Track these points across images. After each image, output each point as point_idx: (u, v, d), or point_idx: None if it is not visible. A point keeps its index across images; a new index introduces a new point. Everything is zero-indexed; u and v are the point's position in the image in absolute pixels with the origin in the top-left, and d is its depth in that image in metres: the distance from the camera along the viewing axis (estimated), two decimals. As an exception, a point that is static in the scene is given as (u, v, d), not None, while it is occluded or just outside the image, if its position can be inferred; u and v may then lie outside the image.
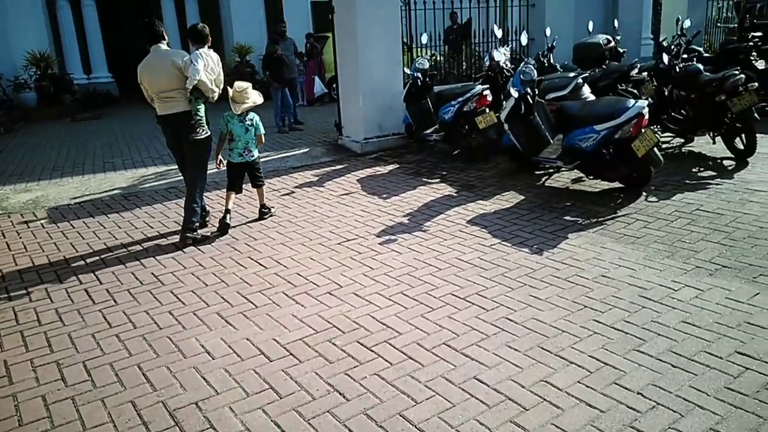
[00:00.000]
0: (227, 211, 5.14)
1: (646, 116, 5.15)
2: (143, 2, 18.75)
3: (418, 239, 4.73)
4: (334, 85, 9.69)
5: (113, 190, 6.86)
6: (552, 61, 8.43)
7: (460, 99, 7.19)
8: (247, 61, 15.18)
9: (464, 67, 10.01)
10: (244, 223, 5.39)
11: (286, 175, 7.15)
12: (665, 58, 6.97)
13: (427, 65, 7.97)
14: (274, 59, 9.95)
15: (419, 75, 7.86)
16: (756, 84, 6.00)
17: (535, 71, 6.11)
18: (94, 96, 14.80)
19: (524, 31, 8.37)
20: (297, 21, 15.24)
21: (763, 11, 11.07)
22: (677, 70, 6.89)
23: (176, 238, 4.98)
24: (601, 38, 8.42)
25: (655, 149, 5.27)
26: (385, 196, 6.07)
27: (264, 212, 5.50)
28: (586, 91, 7.00)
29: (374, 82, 8.14)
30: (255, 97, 5.22)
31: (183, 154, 5.04)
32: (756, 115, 5.96)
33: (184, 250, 4.76)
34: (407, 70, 8.14)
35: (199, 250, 4.76)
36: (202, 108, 4.81)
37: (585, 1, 10.23)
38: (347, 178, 6.93)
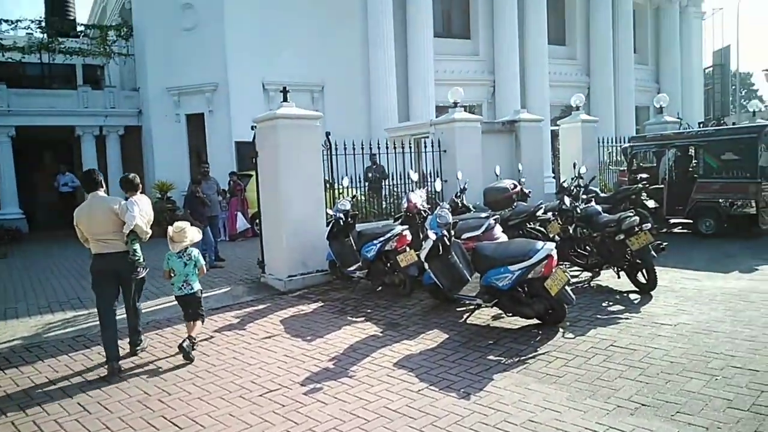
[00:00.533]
0: (190, 338, 5.50)
1: (555, 257, 5.51)
2: (63, 143, 18.73)
3: (344, 386, 4.59)
4: (257, 221, 9.79)
5: (13, 340, 6.32)
6: (465, 202, 9.00)
7: (382, 238, 7.42)
8: (168, 197, 15.13)
9: (384, 206, 10.43)
10: (163, 371, 5.07)
11: (205, 317, 6.89)
12: (567, 200, 7.63)
13: (348, 206, 8.26)
14: (196, 199, 10.01)
15: (341, 215, 8.10)
16: (649, 225, 6.64)
17: (450, 214, 6.48)
18: (1, 232, 14.12)
19: (438, 177, 8.96)
20: (221, 159, 15.60)
21: (647, 155, 12.52)
22: (578, 211, 7.53)
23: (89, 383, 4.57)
24: (508, 183, 9.14)
25: (567, 287, 5.58)
26: (309, 338, 5.95)
27: (186, 348, 5.36)
28: (498, 230, 7.46)
29: (298, 220, 8.30)
30: (193, 235, 5.68)
31: (116, 290, 5.38)
32: (653, 252, 6.53)
33: (90, 410, 4.36)
34: (330, 211, 8.39)
35: (106, 409, 4.37)
36: (138, 247, 5.32)
37: (491, 147, 11.16)
38: (270, 319, 6.77)
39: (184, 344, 5.39)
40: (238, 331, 6.37)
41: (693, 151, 11.17)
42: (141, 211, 5.28)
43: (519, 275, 5.50)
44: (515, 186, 9.06)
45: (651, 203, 10.06)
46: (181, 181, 15.51)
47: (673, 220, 11.36)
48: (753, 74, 57.12)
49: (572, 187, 9.33)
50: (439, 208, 6.66)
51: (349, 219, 8.24)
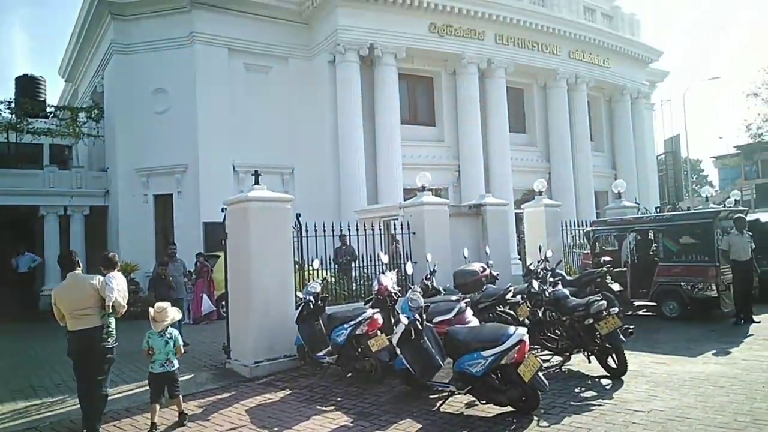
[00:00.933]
0: (153, 425, 5.70)
1: (527, 342, 5.51)
2: (24, 222, 18.40)
3: (314, 482, 4.37)
4: (224, 303, 9.60)
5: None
6: (434, 284, 9.03)
7: (352, 322, 7.32)
8: (132, 278, 14.76)
9: (354, 288, 10.38)
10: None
11: (166, 407, 6.56)
12: (535, 284, 7.74)
13: (319, 288, 8.19)
14: (161, 281, 9.83)
15: (312, 298, 8.01)
16: (616, 308, 6.76)
17: (421, 298, 6.48)
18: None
19: (409, 261, 9.01)
20: (188, 240, 15.43)
21: (608, 239, 12.91)
22: (547, 294, 7.63)
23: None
24: (477, 266, 9.26)
25: (539, 373, 5.55)
26: (276, 429, 5.70)
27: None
28: (469, 314, 7.46)
29: (266, 302, 8.17)
30: (174, 314, 6.06)
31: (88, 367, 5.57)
32: (622, 336, 6.60)
33: None
34: (300, 294, 8.30)
35: None
36: (113, 321, 5.63)
37: (458, 229, 11.38)
38: (235, 409, 6.49)
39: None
40: (201, 422, 6.07)
41: (653, 235, 11.57)
42: (118, 286, 5.63)
43: (492, 361, 5.46)
44: (484, 269, 9.17)
45: (616, 286, 10.27)
46: (147, 262, 15.23)
47: (637, 303, 11.56)
48: (702, 161, 60.52)
49: (539, 270, 9.48)
50: (410, 291, 6.67)
51: (319, 302, 8.15)
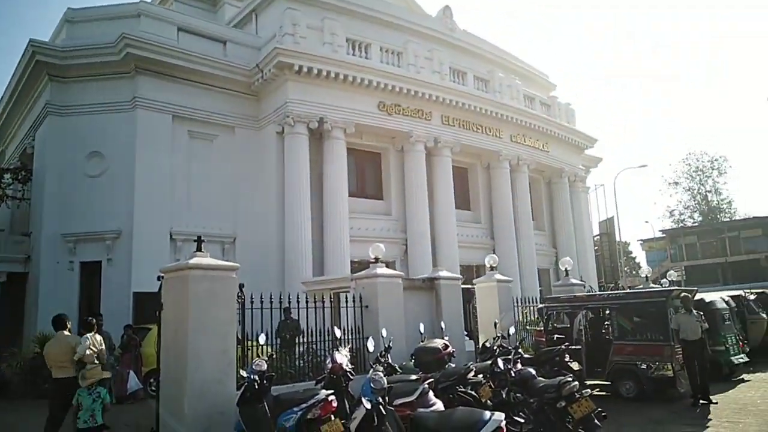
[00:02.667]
0: None
1: (505, 429, 4.97)
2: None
3: None
4: (152, 380, 8.59)
5: None
6: (390, 361, 8.40)
7: (303, 405, 6.54)
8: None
9: (300, 365, 9.59)
10: None
11: None
12: (500, 362, 7.28)
13: (265, 366, 7.39)
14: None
15: (256, 377, 7.21)
16: (589, 390, 6.35)
17: (384, 379, 5.87)
18: None
19: (370, 337, 8.31)
20: (117, 311, 14.22)
21: (560, 316, 12.71)
22: (512, 374, 7.16)
23: None
24: (439, 343, 8.75)
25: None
26: None
27: None
28: (431, 395, 6.86)
29: (204, 382, 7.31)
30: (102, 372, 6.97)
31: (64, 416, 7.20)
32: (597, 421, 6.15)
33: None
34: (243, 372, 7.47)
35: None
36: (84, 371, 6.80)
37: (412, 303, 10.92)
38: None
39: None
40: None
41: (606, 312, 11.46)
42: (92, 345, 7.12)
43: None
44: (446, 346, 8.65)
45: (575, 365, 9.93)
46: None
47: (590, 382, 11.22)
48: (630, 243, 63.22)
49: (495, 347, 9.06)
50: (372, 371, 6.05)
51: (265, 381, 7.33)
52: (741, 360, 12.38)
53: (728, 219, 56.72)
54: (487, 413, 5.15)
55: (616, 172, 73.29)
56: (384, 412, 5.59)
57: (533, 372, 7.17)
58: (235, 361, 7.80)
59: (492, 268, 13.61)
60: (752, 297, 15.78)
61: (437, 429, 5.19)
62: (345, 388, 7.18)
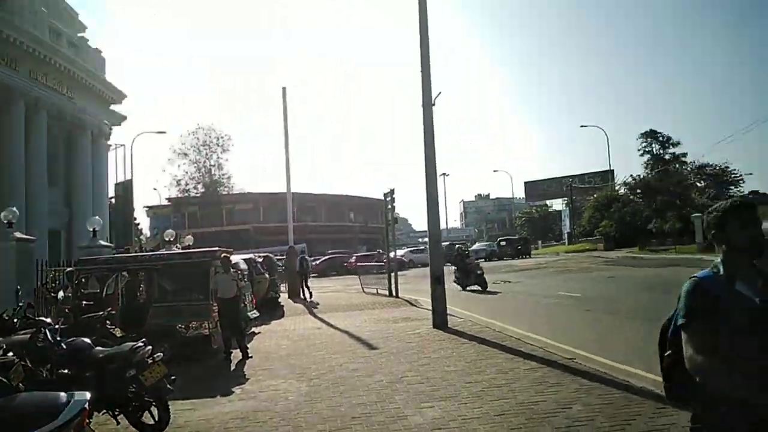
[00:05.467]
0: None
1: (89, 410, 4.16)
2: None
3: None
4: None
5: None
6: None
7: None
8: None
9: None
10: None
11: None
12: (48, 334, 6.06)
13: None
14: None
15: None
16: (161, 353, 5.96)
17: None
18: None
19: None
20: None
21: (89, 280, 11.54)
22: (63, 347, 6.08)
23: None
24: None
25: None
26: None
27: None
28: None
29: None
30: None
31: None
32: (169, 385, 5.83)
33: None
34: None
35: None
36: None
37: None
38: None
39: None
40: None
41: (147, 275, 11.05)
42: None
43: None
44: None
45: (118, 332, 9.18)
46: None
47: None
48: (135, 209, 62.99)
49: (16, 321, 7.62)
50: None
51: None
52: (254, 315, 13.97)
53: (226, 192, 63.47)
54: (63, 394, 4.20)
55: (136, 134, 71.67)
56: None
57: (89, 341, 6.23)
58: None
59: (10, 224, 11.26)
60: (260, 260, 18.32)
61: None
62: None
